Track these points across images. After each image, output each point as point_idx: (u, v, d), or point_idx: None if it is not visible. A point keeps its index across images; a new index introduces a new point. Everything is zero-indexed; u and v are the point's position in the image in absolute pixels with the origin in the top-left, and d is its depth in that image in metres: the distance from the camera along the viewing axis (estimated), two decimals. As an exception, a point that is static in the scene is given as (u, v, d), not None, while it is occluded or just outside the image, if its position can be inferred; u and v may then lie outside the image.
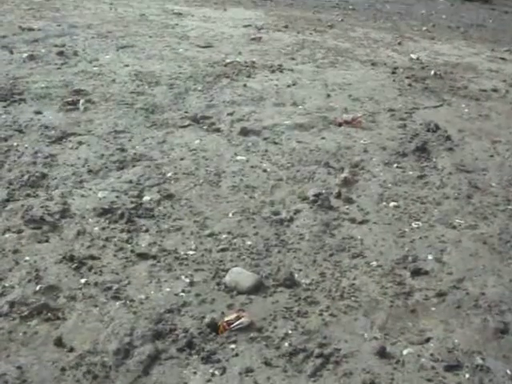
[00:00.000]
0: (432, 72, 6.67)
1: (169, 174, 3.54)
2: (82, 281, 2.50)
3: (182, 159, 3.76)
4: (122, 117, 4.40)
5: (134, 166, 3.61)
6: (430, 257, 2.93)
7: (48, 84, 5.04)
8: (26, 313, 2.26)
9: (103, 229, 2.91)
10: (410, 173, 3.92)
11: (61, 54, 5.97)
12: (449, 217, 3.39)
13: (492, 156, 4.43)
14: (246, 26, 8.54)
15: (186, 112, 4.59)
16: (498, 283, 2.77)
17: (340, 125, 4.60)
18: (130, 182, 3.40)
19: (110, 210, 3.06)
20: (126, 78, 5.39)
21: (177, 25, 8.26)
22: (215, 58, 6.36)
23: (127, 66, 5.80)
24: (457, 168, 4.08)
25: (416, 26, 12.26)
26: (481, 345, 2.35)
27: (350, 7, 15.23)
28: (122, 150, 3.83)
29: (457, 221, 3.35)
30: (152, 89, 5.13)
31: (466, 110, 5.51)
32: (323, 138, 4.32)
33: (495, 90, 6.39)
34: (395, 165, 4.01)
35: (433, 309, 2.54)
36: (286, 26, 8.91)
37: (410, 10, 18.41)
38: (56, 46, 6.32)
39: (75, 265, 2.58)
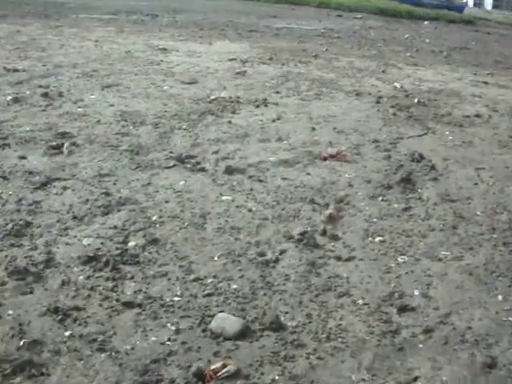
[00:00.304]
0: (416, 100, 6.73)
1: (154, 218, 3.53)
2: (67, 333, 2.47)
3: (167, 202, 3.76)
4: (106, 159, 4.40)
5: (119, 211, 3.60)
6: (416, 292, 2.93)
7: (33, 127, 5.04)
8: (8, 370, 2.24)
9: (88, 277, 2.90)
10: (396, 205, 3.93)
11: (46, 95, 5.98)
12: (434, 249, 3.39)
13: (476, 184, 4.46)
14: (231, 60, 8.61)
15: (171, 152, 4.60)
16: (484, 316, 2.77)
17: (325, 159, 4.62)
18: (115, 227, 3.39)
19: (95, 257, 3.05)
20: (110, 118, 5.41)
21: (162, 61, 8.31)
22: (200, 94, 6.40)
23: (112, 105, 5.82)
24: (442, 198, 4.11)
25: (400, 52, 12.38)
26: (469, 381, 2.34)
27: (335, 35, 15.38)
28: (107, 194, 3.82)
29: (442, 253, 3.36)
30: (137, 129, 5.14)
31: (450, 138, 5.55)
32: (308, 174, 4.34)
33: (478, 116, 6.45)
34: (380, 198, 4.03)
35: (420, 346, 2.54)
36: (271, 58, 8.98)
37: (394, 36, 18.60)
38: (41, 86, 6.34)
39: (60, 317, 2.56)
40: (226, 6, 33.75)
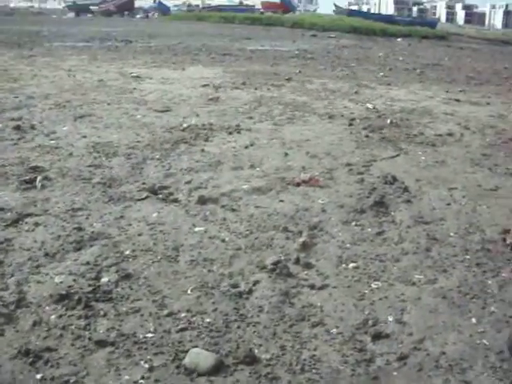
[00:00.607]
0: (388, 120, 6.78)
1: (127, 252, 3.52)
2: (38, 376, 2.44)
3: (139, 235, 3.75)
4: (79, 193, 4.38)
5: (91, 246, 3.58)
6: (390, 318, 2.93)
7: (4, 162, 5.01)
8: (-22, 418, 2.21)
9: (60, 316, 2.87)
10: (369, 230, 3.94)
11: (17, 128, 5.96)
12: (408, 273, 3.40)
13: (449, 204, 4.48)
14: (204, 86, 8.64)
15: (143, 183, 4.59)
16: (458, 340, 2.77)
17: (298, 185, 4.63)
18: (88, 263, 3.37)
19: (67, 295, 3.02)
20: (83, 150, 5.39)
21: (135, 89, 8.33)
22: (173, 122, 6.41)
23: (85, 137, 5.81)
24: (415, 220, 4.12)
25: (373, 72, 12.48)
26: (444, 408, 2.35)
27: (309, 56, 15.49)
28: (80, 229, 3.80)
29: (416, 276, 3.36)
30: (109, 160, 5.13)
31: (423, 158, 5.59)
32: (281, 201, 4.34)
33: (450, 134, 6.51)
34: (354, 223, 4.03)
35: (395, 374, 2.53)
36: (244, 83, 9.02)
37: (367, 54, 18.75)
38: (13, 119, 6.32)
39: (31, 359, 2.53)
40: (201, 29, 33.96)
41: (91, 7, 66.60)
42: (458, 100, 9.16)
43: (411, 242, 3.79)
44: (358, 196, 4.49)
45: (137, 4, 77.60)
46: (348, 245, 3.72)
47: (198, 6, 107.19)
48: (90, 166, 5.01)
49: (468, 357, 2.66)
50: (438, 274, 3.41)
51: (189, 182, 4.64)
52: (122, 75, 9.69)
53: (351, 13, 63.01)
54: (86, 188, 4.49)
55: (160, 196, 4.37)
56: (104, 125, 6.28)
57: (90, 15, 61.62)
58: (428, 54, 23.15)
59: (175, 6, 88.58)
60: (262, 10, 68.93)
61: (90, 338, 2.70)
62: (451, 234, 3.96)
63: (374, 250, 3.66)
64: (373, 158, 5.46)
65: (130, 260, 3.43)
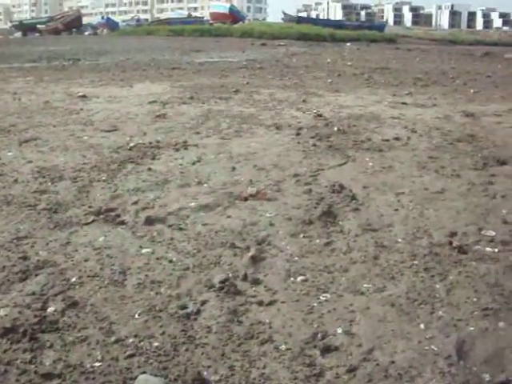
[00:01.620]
0: (335, 128, 6.83)
1: (73, 279, 3.47)
2: (-17, 416, 2.40)
3: (86, 260, 3.70)
4: (24, 221, 4.31)
5: (37, 275, 3.52)
6: (339, 330, 2.94)
7: None
8: None
9: (5, 351, 2.81)
10: (317, 241, 3.95)
11: (-40, 157, 5.86)
12: (356, 283, 3.41)
13: (397, 210, 4.51)
14: (151, 103, 8.61)
15: (90, 206, 4.54)
16: (406, 347, 2.79)
17: (245, 199, 4.62)
18: (34, 293, 3.31)
19: (13, 328, 2.97)
20: (28, 176, 5.31)
21: (82, 109, 8.25)
22: (120, 142, 6.36)
23: (30, 162, 5.72)
24: (363, 228, 4.14)
25: (322, 79, 12.58)
26: (394, 418, 2.36)
27: (258, 66, 15.54)
28: (25, 258, 3.74)
29: (365, 286, 3.38)
30: (55, 185, 5.06)
31: (370, 164, 5.63)
32: (229, 217, 4.33)
33: (397, 139, 6.58)
34: (302, 235, 4.04)
35: (344, 387, 2.54)
36: (192, 97, 9.02)
37: (316, 61, 18.92)
38: (-46, 148, 6.21)
39: (-26, 399, 2.49)
40: (150, 43, 33.93)
41: (38, 26, 66.01)
42: (404, 103, 9.29)
43: (359, 251, 3.81)
44: (306, 207, 4.50)
45: (85, 20, 77.25)
46: (296, 258, 3.72)
47: (147, 20, 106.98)
48: (35, 191, 4.93)
49: (417, 364, 2.68)
50: (387, 282, 3.43)
51: (135, 203, 4.60)
52: (69, 95, 9.60)
53: (300, 20, 63.74)
54: (32, 215, 4.42)
55: (107, 219, 4.32)
56: (50, 148, 6.20)
57: (37, 34, 61.03)
58: (376, 57, 23.47)
59: (124, 21, 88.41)
60: (211, 22, 69.16)
61: (35, 372, 2.65)
62: (399, 239, 3.99)
63: (322, 262, 3.67)
64: (320, 167, 5.49)
65: (77, 287, 3.38)
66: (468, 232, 4.08)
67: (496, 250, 3.81)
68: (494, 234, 4.05)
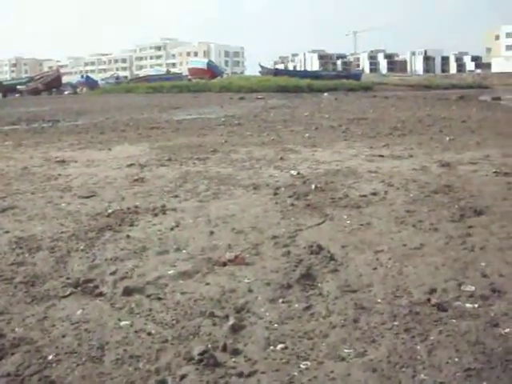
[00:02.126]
0: (313, 186, 6.85)
1: (50, 357, 3.41)
2: None
3: (63, 336, 3.65)
4: (0, 296, 4.26)
5: (12, 354, 3.46)
6: (320, 400, 2.91)
7: None
8: None
9: None
10: (296, 305, 3.93)
11: None
12: (337, 348, 3.39)
13: (375, 268, 4.51)
14: (129, 166, 8.62)
15: (67, 278, 4.49)
16: (389, 415, 2.77)
17: (224, 265, 4.61)
18: (9, 374, 3.25)
19: (-12, 413, 2.92)
20: (5, 247, 5.27)
21: (60, 175, 8.25)
22: (98, 208, 6.35)
23: (7, 232, 5.69)
24: (342, 290, 4.13)
25: (299, 133, 12.69)
26: None
27: (236, 122, 15.67)
28: (1, 335, 3.68)
29: (345, 351, 3.35)
30: (33, 256, 5.02)
31: (348, 222, 5.65)
32: (207, 284, 4.30)
33: (375, 194, 6.62)
34: (281, 300, 4.01)
35: None
36: (170, 159, 9.05)
37: (294, 114, 19.13)
38: None
39: None
40: (130, 101, 34.19)
41: (18, 87, 66.47)
42: (381, 156, 9.38)
43: (339, 314, 3.79)
44: (285, 270, 4.48)
45: (64, 79, 77.90)
46: (276, 324, 3.69)
47: (126, 77, 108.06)
48: (12, 264, 4.88)
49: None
50: (367, 346, 3.40)
51: (114, 273, 4.56)
52: (47, 160, 9.61)
53: (277, 72, 64.74)
54: (8, 289, 4.37)
55: (85, 290, 4.28)
56: (28, 217, 6.17)
57: (17, 95, 61.39)
58: (353, 107, 23.77)
59: (103, 79, 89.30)
60: (189, 77, 70.00)
61: None
62: (379, 300, 3.98)
63: (301, 328, 3.65)
64: (298, 227, 5.49)
65: (54, 365, 3.33)
66: (447, 288, 4.08)
67: (476, 305, 3.82)
68: (473, 288, 4.05)
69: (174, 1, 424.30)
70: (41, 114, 23.85)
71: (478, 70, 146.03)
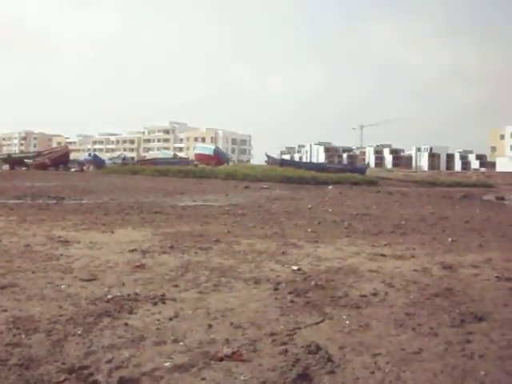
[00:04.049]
0: (313, 283, 6.85)
1: None
2: None
3: (54, 425, 3.60)
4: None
5: None
6: None
7: None
8: None
9: None
10: (292, 408, 3.89)
11: None
12: None
13: (373, 372, 4.45)
14: (131, 251, 8.64)
15: (63, 363, 4.45)
16: None
17: (221, 360, 4.56)
18: None
19: None
20: (2, 326, 5.23)
21: (61, 255, 8.27)
22: (98, 293, 6.34)
23: (5, 311, 5.66)
24: (338, 394, 4.09)
25: (302, 227, 12.73)
26: None
27: (240, 212, 15.76)
28: (-9, 421, 3.64)
29: None
30: (29, 338, 4.99)
31: (347, 322, 5.62)
32: (203, 379, 4.23)
33: (375, 294, 6.60)
34: (276, 400, 3.98)
35: None
36: (172, 247, 9.08)
37: (298, 207, 19.24)
38: None
39: None
40: (136, 183, 34.51)
41: (26, 160, 67.40)
42: (383, 255, 9.38)
43: (334, 420, 3.75)
44: (281, 369, 4.43)
45: (72, 156, 78.91)
46: (269, 427, 3.65)
47: (133, 158, 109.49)
48: (8, 344, 4.84)
49: None
50: None
51: (109, 361, 4.52)
52: (50, 239, 9.64)
53: (283, 162, 65.46)
54: (2, 371, 4.32)
55: (79, 377, 4.23)
56: (27, 296, 6.15)
57: (24, 168, 62.15)
58: (357, 202, 23.92)
59: (110, 158, 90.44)
60: (195, 163, 70.89)
61: None
62: (375, 406, 3.94)
63: (296, 431, 3.60)
64: (297, 325, 5.46)
65: None
66: (446, 397, 4.04)
67: (475, 418, 3.78)
68: (471, 399, 4.01)
69: (186, 87, 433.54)
70: (46, 190, 24.04)
71: (483, 169, 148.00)
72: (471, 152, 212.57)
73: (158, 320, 5.52)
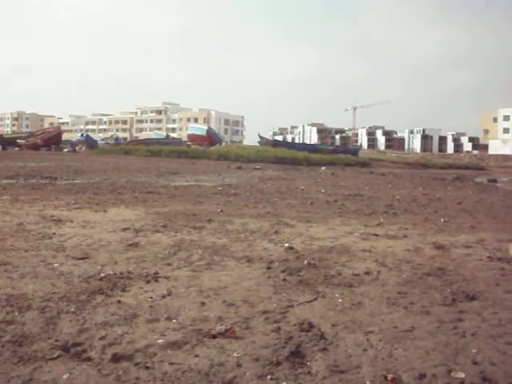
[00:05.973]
0: (306, 262, 6.87)
1: (33, 422, 3.38)
2: None
3: (47, 403, 3.61)
4: (-13, 352, 4.23)
5: (-5, 415, 3.43)
6: None
7: None
8: None
9: None
10: (284, 383, 3.90)
11: None
12: (323, 430, 3.36)
13: (365, 350, 4.47)
14: (124, 230, 8.63)
15: (56, 340, 4.46)
16: None
17: (214, 337, 4.58)
18: None
19: None
20: (-4, 304, 5.26)
21: (54, 234, 8.26)
22: (91, 271, 6.34)
23: (-1, 289, 5.68)
24: (331, 370, 4.09)
25: (295, 207, 12.73)
26: None
27: (232, 192, 15.75)
28: (-16, 396, 3.65)
29: (332, 433, 3.33)
30: (22, 315, 4.99)
31: (340, 300, 5.64)
32: (196, 356, 4.25)
33: (368, 273, 6.62)
34: (269, 377, 3.97)
35: None
36: (165, 226, 9.07)
37: (290, 187, 19.25)
38: None
39: None
40: (128, 163, 34.43)
41: (18, 141, 67.12)
42: (376, 234, 9.40)
43: (327, 396, 3.76)
44: (274, 346, 4.45)
45: (65, 137, 78.61)
46: (263, 401, 3.67)
47: (125, 138, 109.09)
48: (1, 321, 4.84)
49: None
50: (354, 429, 3.38)
51: (103, 338, 4.53)
52: (43, 218, 9.62)
53: (275, 143, 65.34)
54: (-4, 347, 4.34)
55: (73, 354, 4.25)
56: (20, 274, 6.15)
57: (17, 149, 61.88)
58: (350, 183, 23.95)
59: (103, 139, 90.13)
60: (188, 143, 70.69)
61: None
62: (367, 382, 3.94)
63: (289, 406, 3.62)
64: (290, 303, 5.48)
65: (36, 430, 3.30)
66: (437, 374, 4.04)
67: (466, 394, 3.80)
68: (463, 376, 4.02)
69: (178, 66, 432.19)
70: (39, 170, 23.98)
71: (475, 151, 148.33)
72: (464, 134, 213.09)
73: (151, 298, 5.53)
